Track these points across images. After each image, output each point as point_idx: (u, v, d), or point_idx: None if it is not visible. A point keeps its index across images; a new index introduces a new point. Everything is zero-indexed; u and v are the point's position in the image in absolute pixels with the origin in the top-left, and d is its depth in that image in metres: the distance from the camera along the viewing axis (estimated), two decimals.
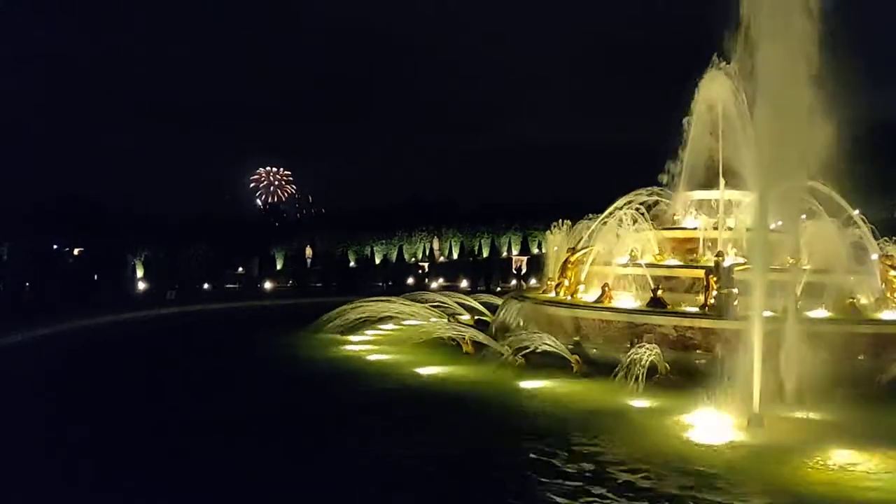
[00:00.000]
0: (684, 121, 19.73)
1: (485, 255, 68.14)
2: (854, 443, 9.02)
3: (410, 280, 51.29)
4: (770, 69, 11.15)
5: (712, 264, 15.14)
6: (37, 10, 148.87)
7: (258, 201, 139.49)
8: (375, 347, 18.14)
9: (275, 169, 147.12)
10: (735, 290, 14.33)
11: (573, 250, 18.50)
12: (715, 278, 14.68)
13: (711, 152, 19.10)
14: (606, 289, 16.62)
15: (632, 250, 18.00)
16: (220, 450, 9.41)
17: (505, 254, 67.35)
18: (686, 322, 14.43)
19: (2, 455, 8.98)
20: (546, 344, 14.75)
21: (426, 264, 61.93)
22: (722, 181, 18.52)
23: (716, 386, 10.60)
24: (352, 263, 66.04)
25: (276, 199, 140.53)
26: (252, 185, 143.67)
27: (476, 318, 22.25)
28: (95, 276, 41.83)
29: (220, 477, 8.30)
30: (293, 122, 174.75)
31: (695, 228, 18.61)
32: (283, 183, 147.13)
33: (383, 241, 70.57)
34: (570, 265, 18.05)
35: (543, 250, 39.73)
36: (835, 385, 10.40)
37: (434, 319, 19.96)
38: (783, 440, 9.32)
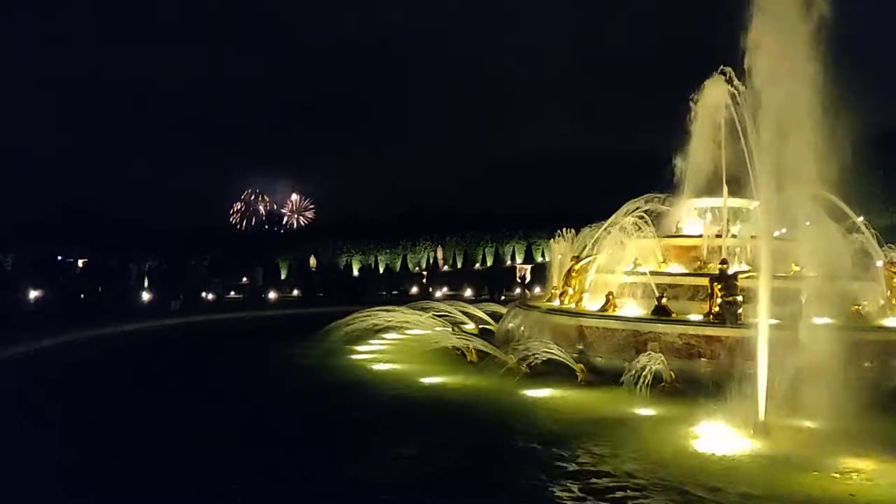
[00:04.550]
0: (687, 128, 19.76)
1: (489, 263, 68.16)
2: (861, 451, 8.98)
3: (414, 289, 51.34)
4: (773, 75, 11.15)
5: (717, 272, 15.11)
6: (39, 20, 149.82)
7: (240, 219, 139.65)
8: (380, 357, 18.12)
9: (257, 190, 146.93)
10: (740, 298, 14.31)
11: (577, 258, 18.52)
12: (720, 286, 14.65)
13: (714, 160, 19.12)
14: (611, 297, 16.60)
15: (635, 258, 18.01)
16: (222, 453, 9.39)
17: (509, 262, 67.34)
18: (691, 330, 14.41)
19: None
20: (550, 353, 14.73)
21: (427, 273, 61.91)
22: (725, 188, 18.54)
23: (721, 394, 10.58)
24: (355, 273, 66.15)
25: (255, 222, 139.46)
26: (233, 211, 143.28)
27: (480, 327, 22.24)
28: (100, 288, 41.93)
29: (220, 478, 8.30)
30: (294, 130, 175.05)
31: (699, 236, 18.61)
32: (263, 203, 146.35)
33: (387, 251, 70.65)
34: (574, 273, 18.06)
35: (547, 259, 39.73)
36: (840, 392, 10.35)
37: (438, 329, 19.96)
38: (790, 449, 9.27)
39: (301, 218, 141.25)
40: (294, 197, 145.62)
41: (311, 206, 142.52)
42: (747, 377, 10.54)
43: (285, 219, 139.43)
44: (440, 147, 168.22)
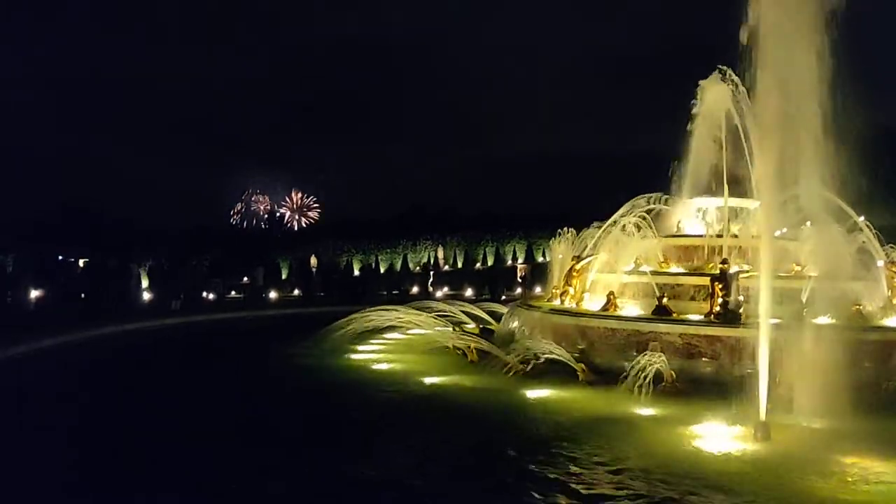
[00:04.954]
0: (687, 129, 19.76)
1: (489, 263, 68.07)
2: (862, 452, 8.97)
3: (415, 289, 51.34)
4: (773, 74, 11.14)
5: (717, 272, 15.11)
6: (39, 20, 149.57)
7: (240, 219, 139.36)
8: (381, 356, 18.12)
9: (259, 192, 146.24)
10: (741, 298, 14.30)
11: (578, 258, 18.51)
12: (720, 286, 14.64)
13: (715, 160, 19.12)
14: (612, 297, 16.59)
15: (636, 258, 18.00)
16: (222, 453, 9.39)
17: (509, 262, 67.24)
18: (692, 330, 14.40)
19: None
20: (551, 352, 14.73)
21: (431, 272, 61.84)
22: (726, 188, 18.54)
23: (722, 394, 10.57)
24: (356, 272, 66.15)
25: (255, 222, 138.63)
26: (233, 212, 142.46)
27: (481, 326, 22.22)
28: (100, 287, 41.89)
29: (220, 478, 8.31)
30: (294, 130, 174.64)
31: (699, 236, 18.60)
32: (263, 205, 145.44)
33: (387, 251, 70.62)
34: (574, 273, 18.05)
35: (548, 259, 39.69)
36: (841, 393, 10.34)
37: (439, 328, 19.94)
38: (790, 450, 9.27)
39: (304, 218, 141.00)
40: (296, 196, 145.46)
41: (316, 206, 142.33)
42: (748, 377, 10.53)
43: (286, 217, 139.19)
44: (440, 147, 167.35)
